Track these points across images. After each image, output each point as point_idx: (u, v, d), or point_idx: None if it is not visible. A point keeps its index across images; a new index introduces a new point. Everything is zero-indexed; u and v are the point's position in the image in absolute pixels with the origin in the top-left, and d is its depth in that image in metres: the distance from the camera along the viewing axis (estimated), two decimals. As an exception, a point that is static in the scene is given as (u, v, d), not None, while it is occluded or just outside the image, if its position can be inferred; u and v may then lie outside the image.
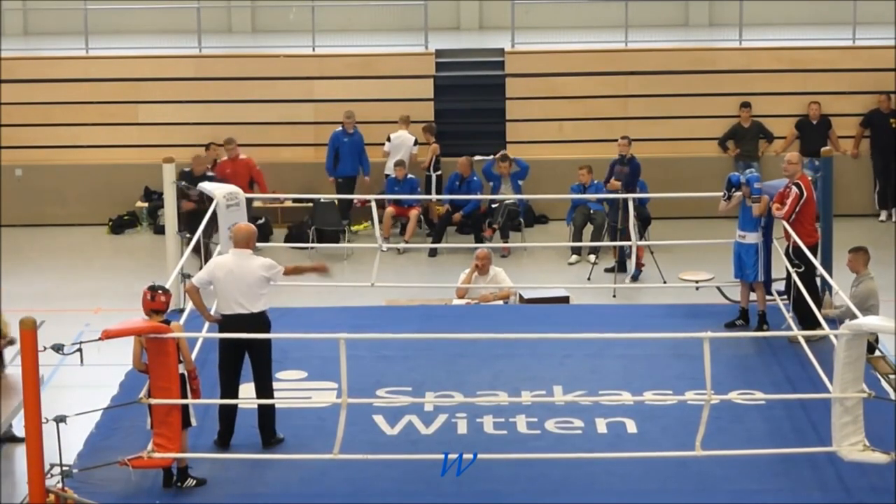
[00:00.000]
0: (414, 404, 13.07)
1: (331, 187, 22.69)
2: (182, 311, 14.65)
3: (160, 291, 11.95)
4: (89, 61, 24.30)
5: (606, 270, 20.17)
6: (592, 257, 20.62)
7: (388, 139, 22.67)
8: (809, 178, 15.25)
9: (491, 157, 22.60)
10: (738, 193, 15.00)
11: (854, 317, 12.37)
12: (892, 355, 14.92)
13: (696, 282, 17.02)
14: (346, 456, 11.60)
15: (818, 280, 15.07)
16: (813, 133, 23.16)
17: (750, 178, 14.95)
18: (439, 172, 22.79)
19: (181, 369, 11.70)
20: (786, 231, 14.98)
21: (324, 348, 13.65)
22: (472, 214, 22.27)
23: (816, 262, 14.56)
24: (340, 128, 22.65)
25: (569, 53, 24.24)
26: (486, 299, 16.94)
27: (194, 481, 11.76)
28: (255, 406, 12.47)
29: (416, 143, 22.71)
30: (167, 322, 11.88)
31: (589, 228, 21.49)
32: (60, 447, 11.22)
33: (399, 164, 22.27)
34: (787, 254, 15.02)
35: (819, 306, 14.44)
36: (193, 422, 11.89)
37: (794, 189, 14.82)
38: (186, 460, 11.74)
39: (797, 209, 14.78)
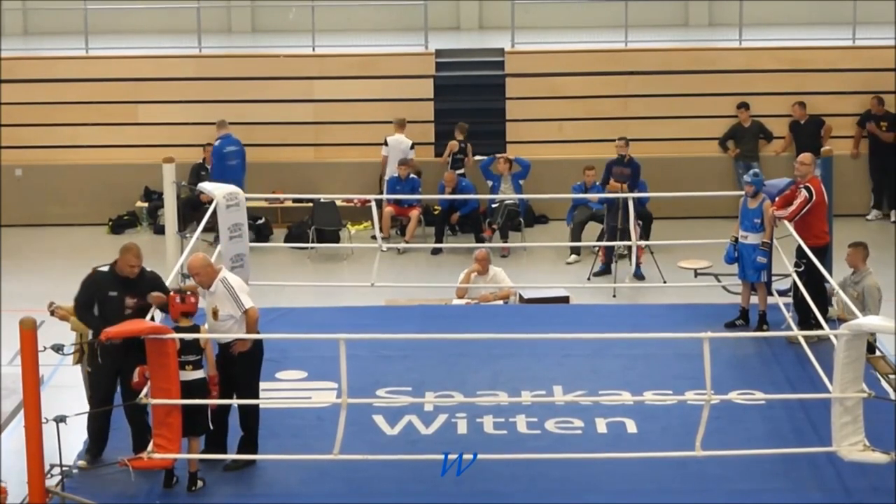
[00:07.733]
0: (414, 404, 13.06)
1: (326, 188, 22.58)
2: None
3: (189, 294, 11.90)
4: (89, 61, 24.30)
5: (595, 275, 20.03)
6: (597, 251, 20.52)
7: (385, 142, 22.65)
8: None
9: (489, 156, 22.58)
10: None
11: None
12: (892, 355, 14.92)
13: (696, 269, 17.01)
14: (346, 456, 11.59)
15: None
16: (803, 133, 23.15)
17: (755, 182, 14.87)
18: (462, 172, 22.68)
19: (201, 374, 11.69)
20: (797, 229, 14.90)
21: (324, 348, 13.62)
22: (469, 215, 22.28)
23: (819, 265, 14.45)
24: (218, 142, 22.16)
25: (569, 53, 24.24)
26: (486, 299, 16.94)
27: (202, 482, 11.76)
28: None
29: (412, 146, 22.64)
30: (196, 325, 11.87)
31: (590, 227, 21.44)
32: (60, 447, 11.23)
33: (403, 162, 22.25)
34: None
35: (825, 308, 14.43)
36: (211, 426, 11.86)
37: (804, 192, 14.63)
38: (197, 466, 11.73)
39: (802, 212, 14.69)
